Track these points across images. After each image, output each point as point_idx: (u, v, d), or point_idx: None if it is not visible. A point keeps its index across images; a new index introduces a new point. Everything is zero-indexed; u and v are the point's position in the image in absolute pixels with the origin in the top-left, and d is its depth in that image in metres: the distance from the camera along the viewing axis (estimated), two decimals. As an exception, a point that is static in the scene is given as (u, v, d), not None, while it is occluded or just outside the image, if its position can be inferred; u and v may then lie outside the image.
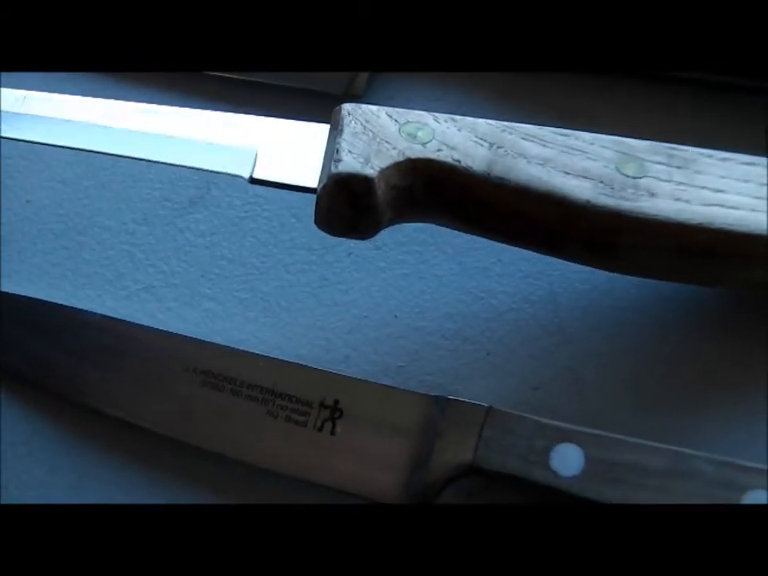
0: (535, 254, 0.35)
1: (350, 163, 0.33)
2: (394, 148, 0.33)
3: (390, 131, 0.34)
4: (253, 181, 0.35)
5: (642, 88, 0.41)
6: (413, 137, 0.33)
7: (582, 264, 0.35)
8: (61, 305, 0.39)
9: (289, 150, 0.35)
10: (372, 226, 0.34)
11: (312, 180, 0.34)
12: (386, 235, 0.36)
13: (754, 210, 0.32)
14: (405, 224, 0.35)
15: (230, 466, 0.35)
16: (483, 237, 0.35)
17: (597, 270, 0.35)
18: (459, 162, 0.33)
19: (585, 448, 0.32)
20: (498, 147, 0.33)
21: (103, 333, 0.38)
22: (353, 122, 0.34)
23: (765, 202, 0.32)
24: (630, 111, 0.41)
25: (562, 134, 0.34)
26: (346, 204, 0.33)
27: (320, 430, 0.34)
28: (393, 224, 0.34)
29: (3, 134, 0.37)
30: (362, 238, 0.34)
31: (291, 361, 0.36)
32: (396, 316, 0.38)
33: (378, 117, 0.34)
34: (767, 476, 0.30)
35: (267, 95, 0.42)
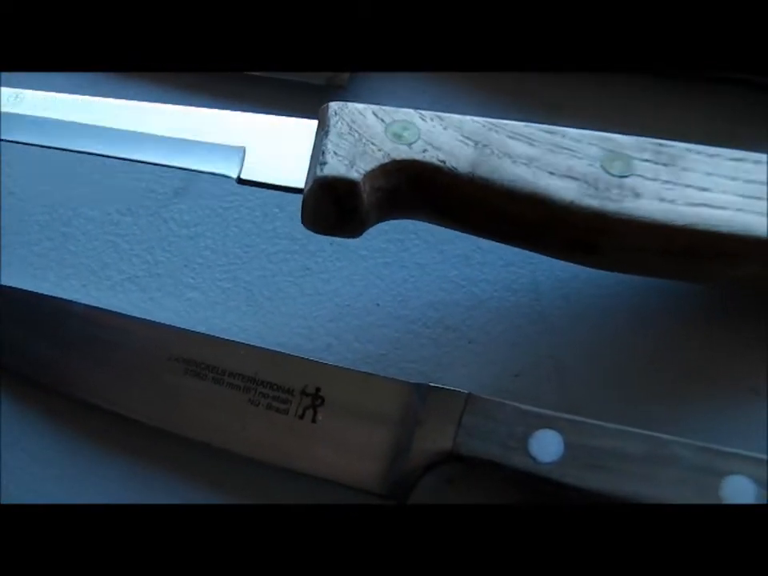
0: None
1: (334, 166, 0.33)
2: (380, 149, 0.33)
3: (375, 131, 0.33)
4: (240, 181, 0.35)
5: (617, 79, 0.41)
6: (398, 137, 0.33)
7: (566, 261, 0.35)
8: (45, 295, 0.39)
9: (276, 148, 0.35)
10: (358, 226, 0.34)
11: (299, 181, 0.34)
12: (367, 224, 0.36)
13: (740, 210, 0.32)
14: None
15: (215, 454, 0.35)
16: (468, 233, 0.35)
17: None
18: (444, 162, 0.33)
19: (564, 434, 0.32)
20: (484, 146, 0.33)
21: (87, 323, 0.38)
22: (339, 122, 0.34)
23: (751, 200, 0.32)
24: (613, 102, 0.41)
25: (548, 131, 0.34)
26: (332, 206, 0.33)
27: (301, 417, 0.34)
28: (380, 222, 0.34)
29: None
30: (349, 237, 0.34)
31: (273, 349, 0.36)
32: (378, 304, 0.38)
33: (365, 117, 0.34)
34: (746, 461, 0.30)
35: (249, 86, 0.42)
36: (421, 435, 0.33)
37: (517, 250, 0.35)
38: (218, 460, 0.35)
